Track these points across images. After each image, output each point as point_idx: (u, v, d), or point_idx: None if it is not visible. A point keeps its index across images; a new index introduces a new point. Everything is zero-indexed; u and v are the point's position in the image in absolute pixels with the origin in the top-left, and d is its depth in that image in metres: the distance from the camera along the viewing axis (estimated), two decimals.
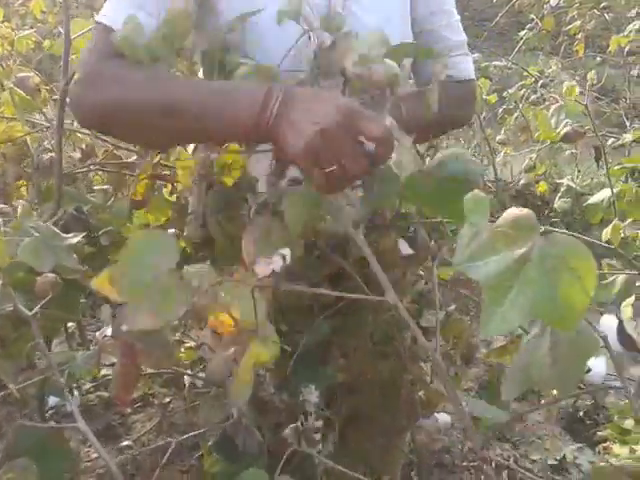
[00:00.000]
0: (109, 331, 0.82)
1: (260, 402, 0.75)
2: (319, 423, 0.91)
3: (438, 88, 0.84)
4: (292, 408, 0.91)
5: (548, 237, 0.50)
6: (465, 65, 1.10)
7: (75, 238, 0.95)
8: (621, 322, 0.65)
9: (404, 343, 1.06)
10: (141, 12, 0.82)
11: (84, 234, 0.98)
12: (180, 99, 0.75)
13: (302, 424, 0.89)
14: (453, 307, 1.04)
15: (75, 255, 1.06)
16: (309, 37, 0.91)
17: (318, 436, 1.01)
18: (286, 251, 0.66)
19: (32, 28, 2.81)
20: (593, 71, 2.62)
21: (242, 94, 0.72)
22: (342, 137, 0.65)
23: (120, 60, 0.78)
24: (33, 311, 0.80)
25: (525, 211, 0.52)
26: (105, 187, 1.24)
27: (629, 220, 1.44)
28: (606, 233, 1.26)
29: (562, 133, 1.18)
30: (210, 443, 0.85)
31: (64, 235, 0.95)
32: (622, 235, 1.21)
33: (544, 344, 0.57)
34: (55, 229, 0.95)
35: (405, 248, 0.85)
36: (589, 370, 0.96)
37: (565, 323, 0.50)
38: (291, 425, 0.87)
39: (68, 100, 0.92)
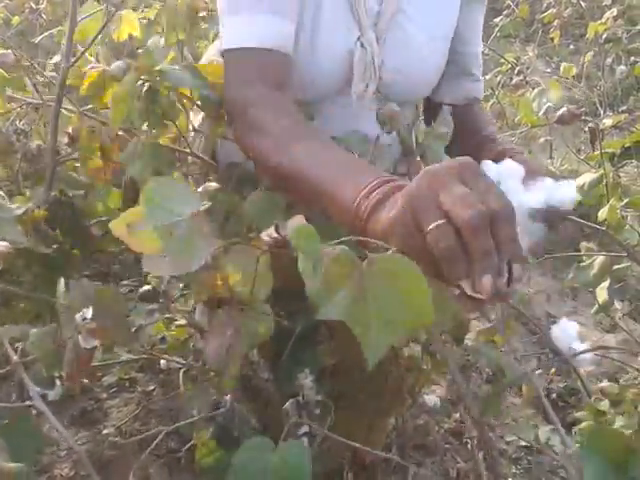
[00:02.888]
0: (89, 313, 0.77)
1: (252, 388, 0.74)
2: (318, 397, 0.91)
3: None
4: (285, 392, 0.90)
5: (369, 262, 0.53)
6: (481, 85, 1.22)
7: (20, 209, 0.93)
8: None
9: None
10: (279, 18, 0.86)
11: (29, 205, 0.96)
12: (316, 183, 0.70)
13: (303, 397, 0.88)
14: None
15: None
16: (361, 44, 0.93)
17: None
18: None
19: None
20: (591, 53, 2.64)
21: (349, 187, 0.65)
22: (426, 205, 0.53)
23: (280, 107, 0.81)
24: None
25: (338, 248, 0.53)
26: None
27: (608, 204, 1.45)
28: (602, 213, 1.27)
29: (557, 114, 1.19)
30: (209, 435, 0.84)
31: (9, 206, 0.93)
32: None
33: None
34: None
35: None
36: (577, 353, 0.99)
37: (423, 318, 0.53)
38: (291, 400, 0.86)
39: (226, 118, 0.90)
